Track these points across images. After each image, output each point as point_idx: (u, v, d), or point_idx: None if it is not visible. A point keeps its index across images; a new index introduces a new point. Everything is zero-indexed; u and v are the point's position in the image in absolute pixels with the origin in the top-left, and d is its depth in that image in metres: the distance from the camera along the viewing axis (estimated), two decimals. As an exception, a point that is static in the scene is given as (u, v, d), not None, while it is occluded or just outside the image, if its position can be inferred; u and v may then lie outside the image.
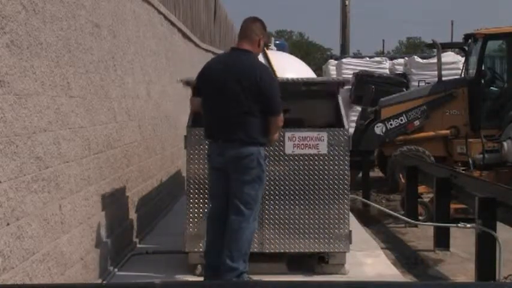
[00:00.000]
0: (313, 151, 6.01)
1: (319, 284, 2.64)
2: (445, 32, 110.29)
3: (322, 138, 6.01)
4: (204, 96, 5.65)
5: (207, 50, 15.96)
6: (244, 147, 5.42)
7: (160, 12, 10.04)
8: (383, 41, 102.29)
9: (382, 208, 8.52)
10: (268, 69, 5.54)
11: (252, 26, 5.61)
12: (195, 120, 6.15)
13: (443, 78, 12.18)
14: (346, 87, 8.85)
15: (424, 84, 15.47)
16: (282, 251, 6.12)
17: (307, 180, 6.05)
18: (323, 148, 6.01)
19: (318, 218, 6.06)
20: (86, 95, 5.80)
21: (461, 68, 13.10)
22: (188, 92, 6.79)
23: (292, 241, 6.08)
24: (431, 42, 12.92)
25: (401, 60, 18.43)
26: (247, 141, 5.42)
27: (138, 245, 7.23)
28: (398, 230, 9.10)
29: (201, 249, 5.95)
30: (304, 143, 6.01)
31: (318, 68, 25.51)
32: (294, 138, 6.02)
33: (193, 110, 6.05)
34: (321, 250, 6.11)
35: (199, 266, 6.00)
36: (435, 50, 12.80)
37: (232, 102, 5.41)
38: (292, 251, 6.11)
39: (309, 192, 6.05)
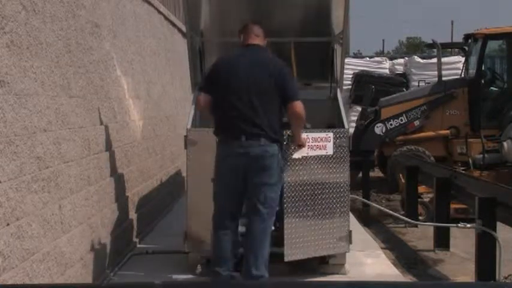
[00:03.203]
0: (322, 152, 5.90)
1: (319, 284, 2.64)
2: (445, 32, 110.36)
3: (329, 138, 5.92)
4: (223, 94, 5.39)
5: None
6: (270, 145, 5.27)
7: (160, 12, 10.04)
8: (383, 41, 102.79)
9: (382, 208, 8.51)
10: (281, 61, 5.50)
11: (260, 28, 5.60)
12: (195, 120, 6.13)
13: (443, 78, 12.18)
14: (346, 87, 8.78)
15: (424, 84, 15.47)
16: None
17: (308, 180, 6.00)
18: (330, 149, 5.93)
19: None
20: (86, 95, 5.80)
21: (461, 68, 13.10)
22: (187, 92, 6.77)
23: (292, 241, 6.05)
24: (431, 42, 12.91)
25: (401, 60, 18.43)
26: (273, 138, 5.29)
27: (138, 245, 7.23)
28: (398, 230, 9.10)
29: (202, 249, 5.95)
30: (316, 144, 5.85)
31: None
32: (307, 140, 5.77)
33: (202, 108, 5.71)
34: (321, 250, 6.09)
35: (199, 266, 6.00)
36: (435, 50, 12.79)
37: (259, 97, 5.29)
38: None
39: (310, 192, 6.01)
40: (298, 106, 5.32)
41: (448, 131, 11.84)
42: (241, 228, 5.71)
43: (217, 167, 5.49)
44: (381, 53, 40.38)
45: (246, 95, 5.31)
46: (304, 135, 5.68)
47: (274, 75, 5.33)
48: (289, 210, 5.74)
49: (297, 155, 5.69)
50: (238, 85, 5.34)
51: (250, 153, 5.26)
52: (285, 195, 5.70)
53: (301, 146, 5.66)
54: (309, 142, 5.77)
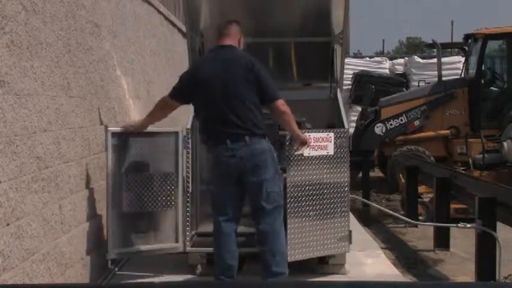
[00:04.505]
0: (323, 152, 5.88)
1: (319, 284, 2.64)
2: (445, 32, 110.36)
3: (330, 138, 5.91)
4: (202, 100, 5.43)
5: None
6: (257, 143, 5.25)
7: (160, 12, 10.04)
8: (383, 41, 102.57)
9: (382, 208, 8.51)
10: (253, 57, 5.40)
11: (233, 26, 5.53)
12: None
13: (443, 78, 12.18)
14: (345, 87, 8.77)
15: (424, 84, 15.48)
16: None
17: (309, 180, 5.99)
18: (331, 149, 5.92)
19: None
20: (86, 95, 5.80)
21: (461, 68, 13.11)
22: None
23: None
24: (431, 42, 12.92)
25: (401, 60, 18.43)
26: (259, 134, 5.26)
27: (138, 245, 7.21)
28: (398, 230, 9.10)
29: (202, 250, 5.95)
30: (317, 144, 5.82)
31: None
32: (310, 140, 5.75)
33: (165, 113, 5.90)
34: (321, 250, 6.09)
35: (199, 266, 5.99)
36: (435, 50, 12.80)
37: (237, 98, 5.27)
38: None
39: (311, 192, 6.00)
40: (281, 104, 5.31)
41: (448, 131, 11.84)
42: (249, 229, 5.74)
43: (211, 174, 5.56)
44: (381, 53, 40.30)
45: (225, 98, 5.28)
46: (306, 134, 5.69)
47: (249, 75, 5.28)
48: (291, 210, 5.72)
49: (305, 153, 5.67)
50: (216, 89, 5.30)
51: (238, 156, 5.25)
52: (288, 195, 5.68)
53: (304, 143, 5.63)
54: (311, 142, 5.74)
